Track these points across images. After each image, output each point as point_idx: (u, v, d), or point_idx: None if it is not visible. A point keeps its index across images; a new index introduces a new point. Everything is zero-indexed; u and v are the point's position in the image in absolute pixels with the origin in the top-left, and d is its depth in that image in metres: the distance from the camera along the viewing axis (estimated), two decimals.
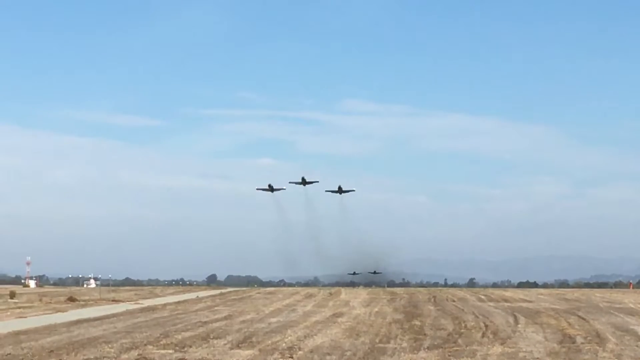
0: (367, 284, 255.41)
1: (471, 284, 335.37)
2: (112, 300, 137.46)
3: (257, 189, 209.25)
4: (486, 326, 77.60)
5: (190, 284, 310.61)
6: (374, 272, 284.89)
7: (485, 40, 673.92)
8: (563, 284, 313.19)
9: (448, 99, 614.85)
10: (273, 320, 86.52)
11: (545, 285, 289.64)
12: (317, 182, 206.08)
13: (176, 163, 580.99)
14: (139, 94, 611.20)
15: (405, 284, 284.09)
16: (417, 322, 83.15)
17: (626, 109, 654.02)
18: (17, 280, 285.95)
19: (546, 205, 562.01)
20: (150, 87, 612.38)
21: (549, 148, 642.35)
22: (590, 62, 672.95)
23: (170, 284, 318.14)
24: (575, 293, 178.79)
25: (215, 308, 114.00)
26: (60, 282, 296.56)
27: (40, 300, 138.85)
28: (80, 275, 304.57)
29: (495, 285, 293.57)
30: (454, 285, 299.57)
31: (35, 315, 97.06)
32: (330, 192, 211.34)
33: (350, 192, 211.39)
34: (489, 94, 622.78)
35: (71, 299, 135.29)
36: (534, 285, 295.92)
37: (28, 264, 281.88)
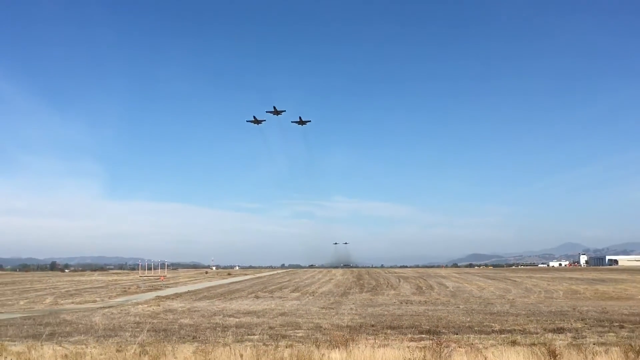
0: (342, 267, 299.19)
1: (381, 267, 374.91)
2: (244, 274, 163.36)
3: (246, 121, 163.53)
4: (388, 283, 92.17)
5: (273, 268, 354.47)
6: (345, 243, 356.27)
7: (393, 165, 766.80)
8: (417, 266, 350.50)
9: (375, 195, 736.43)
10: (306, 281, 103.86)
11: (409, 267, 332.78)
12: (285, 111, 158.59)
13: (267, 221, 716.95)
14: (248, 193, 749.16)
15: (356, 267, 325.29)
16: (361, 282, 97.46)
17: (446, 196, 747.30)
18: (207, 267, 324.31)
19: (407, 237, 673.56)
20: (254, 191, 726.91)
21: (409, 214, 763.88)
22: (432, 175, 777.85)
23: (267, 268, 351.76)
24: (420, 270, 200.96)
25: (284, 277, 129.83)
26: (224, 267, 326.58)
27: (217, 274, 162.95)
28: (232, 264, 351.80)
29: (391, 267, 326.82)
30: (375, 267, 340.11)
31: (215, 280, 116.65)
32: (294, 123, 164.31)
33: (308, 123, 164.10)
34: (390, 194, 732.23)
35: (229, 274, 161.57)
36: (405, 267, 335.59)
37: (212, 260, 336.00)
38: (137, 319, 37.40)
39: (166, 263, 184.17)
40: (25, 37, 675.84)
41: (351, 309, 43.92)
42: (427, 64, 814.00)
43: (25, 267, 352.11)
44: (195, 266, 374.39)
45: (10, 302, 56.10)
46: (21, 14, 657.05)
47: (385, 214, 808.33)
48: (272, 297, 59.47)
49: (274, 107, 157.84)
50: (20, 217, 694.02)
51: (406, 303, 49.85)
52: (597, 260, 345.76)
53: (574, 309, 42.51)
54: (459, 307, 45.20)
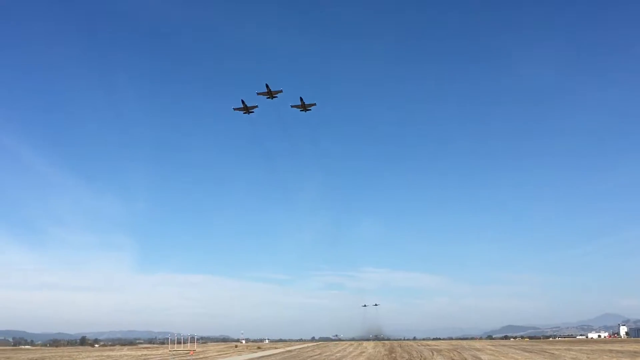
0: (372, 339, 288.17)
1: (414, 339, 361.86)
2: (274, 347, 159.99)
3: (234, 109, 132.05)
4: (421, 356, 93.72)
5: (303, 340, 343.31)
6: (375, 304, 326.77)
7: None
8: (450, 338, 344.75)
9: (405, 265, 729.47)
10: (337, 354, 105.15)
11: (442, 339, 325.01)
12: (281, 91, 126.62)
13: (298, 293, 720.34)
14: (280, 267, 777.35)
15: (388, 339, 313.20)
16: (394, 355, 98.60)
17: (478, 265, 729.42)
18: (237, 340, 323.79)
19: (439, 308, 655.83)
20: (282, 262, 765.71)
21: (440, 284, 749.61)
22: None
23: (297, 341, 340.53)
24: (454, 342, 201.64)
25: (315, 350, 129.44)
26: (254, 340, 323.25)
27: (247, 348, 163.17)
28: (262, 337, 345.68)
29: (423, 339, 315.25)
30: (407, 339, 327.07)
31: (245, 354, 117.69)
32: (295, 108, 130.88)
33: (312, 107, 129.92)
34: (420, 263, 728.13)
35: (259, 347, 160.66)
36: (438, 339, 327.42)
37: (242, 333, 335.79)
38: None
39: (195, 337, 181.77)
40: (54, 109, 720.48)
41: None
42: (451, 126, 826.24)
43: (55, 342, 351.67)
44: (224, 340, 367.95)
45: None
46: (50, 85, 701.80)
47: (416, 285, 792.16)
48: None
49: (267, 86, 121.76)
50: (51, 292, 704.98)
51: None
52: (637, 332, 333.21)
53: None
54: None
